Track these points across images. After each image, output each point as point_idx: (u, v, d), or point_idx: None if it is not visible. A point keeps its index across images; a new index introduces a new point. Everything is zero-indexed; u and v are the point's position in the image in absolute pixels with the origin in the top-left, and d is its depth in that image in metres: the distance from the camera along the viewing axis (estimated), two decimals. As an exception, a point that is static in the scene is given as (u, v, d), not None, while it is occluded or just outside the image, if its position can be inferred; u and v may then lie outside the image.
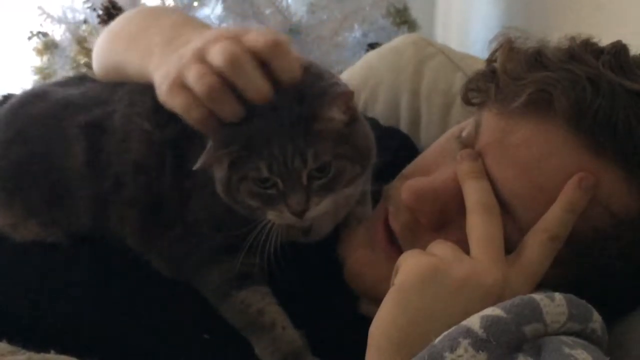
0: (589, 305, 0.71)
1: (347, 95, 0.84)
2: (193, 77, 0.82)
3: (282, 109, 0.82)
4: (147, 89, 0.93)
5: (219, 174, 0.86)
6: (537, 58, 0.85)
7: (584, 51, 0.85)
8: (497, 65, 0.89)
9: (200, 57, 0.83)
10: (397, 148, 1.10)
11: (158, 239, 0.95)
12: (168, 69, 0.87)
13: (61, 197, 0.97)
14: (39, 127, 0.99)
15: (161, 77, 0.88)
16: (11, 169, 0.99)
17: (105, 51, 1.12)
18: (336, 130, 0.84)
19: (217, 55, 0.81)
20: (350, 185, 0.87)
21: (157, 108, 0.90)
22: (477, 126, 0.87)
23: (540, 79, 0.82)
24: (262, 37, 0.82)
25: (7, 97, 1.10)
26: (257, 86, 0.81)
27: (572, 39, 0.88)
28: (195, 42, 0.85)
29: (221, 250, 0.92)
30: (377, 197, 1.00)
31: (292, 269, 0.93)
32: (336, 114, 0.83)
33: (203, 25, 1.00)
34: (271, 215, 0.85)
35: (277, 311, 0.90)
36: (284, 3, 2.29)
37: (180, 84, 0.84)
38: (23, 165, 0.98)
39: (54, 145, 0.97)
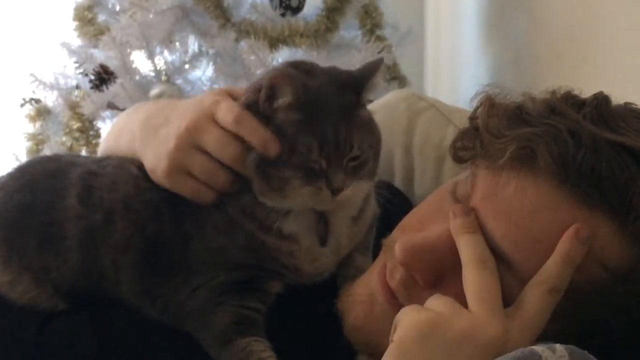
0: (592, 356, 0.70)
1: (380, 63, 0.95)
2: (200, 171, 0.92)
3: (329, 94, 0.90)
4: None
5: None
6: (518, 114, 0.85)
7: (564, 104, 0.85)
8: (479, 122, 0.89)
9: (190, 142, 0.92)
10: (390, 197, 1.10)
11: (158, 288, 0.95)
12: (158, 153, 0.94)
13: (53, 239, 0.99)
14: (46, 180, 1.03)
15: (152, 159, 0.96)
16: (11, 216, 1.02)
17: (103, 142, 1.21)
18: (368, 118, 0.93)
19: (211, 144, 0.91)
20: (366, 178, 0.92)
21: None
22: (473, 180, 0.87)
23: (522, 135, 0.82)
24: (229, 116, 0.91)
25: None
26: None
27: (553, 92, 0.88)
28: (175, 123, 0.94)
29: (224, 291, 0.93)
30: (376, 250, 1.00)
31: (291, 324, 0.93)
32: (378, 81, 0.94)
33: (173, 102, 1.06)
34: (304, 191, 0.88)
35: None
36: (275, 63, 2.30)
37: (179, 171, 0.93)
38: (22, 211, 1.01)
39: (53, 194, 1.01)
